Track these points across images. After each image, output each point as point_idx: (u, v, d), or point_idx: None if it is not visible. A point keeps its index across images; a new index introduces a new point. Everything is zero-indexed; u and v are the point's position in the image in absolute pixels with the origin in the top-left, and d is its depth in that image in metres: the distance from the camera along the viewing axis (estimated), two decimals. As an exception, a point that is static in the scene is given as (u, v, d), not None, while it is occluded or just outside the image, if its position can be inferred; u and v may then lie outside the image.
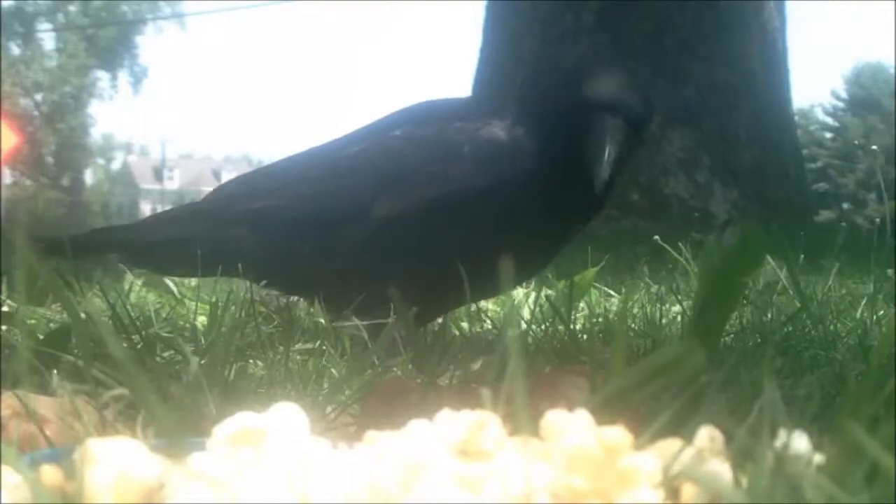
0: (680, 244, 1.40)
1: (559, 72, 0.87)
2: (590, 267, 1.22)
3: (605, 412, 0.37)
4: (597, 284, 1.26)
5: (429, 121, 0.92)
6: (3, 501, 0.34)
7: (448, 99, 0.97)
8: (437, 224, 0.87)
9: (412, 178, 0.88)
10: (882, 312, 1.06)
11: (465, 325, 1.03)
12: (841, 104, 23.81)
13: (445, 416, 0.36)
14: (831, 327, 0.96)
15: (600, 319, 1.06)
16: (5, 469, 0.35)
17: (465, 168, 0.87)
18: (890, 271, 1.28)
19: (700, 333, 0.40)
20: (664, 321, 1.05)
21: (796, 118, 5.26)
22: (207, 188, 1.55)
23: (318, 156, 0.99)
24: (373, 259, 0.88)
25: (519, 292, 1.16)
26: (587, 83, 0.82)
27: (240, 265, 0.94)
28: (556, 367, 0.81)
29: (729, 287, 0.43)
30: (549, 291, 1.19)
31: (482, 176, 0.86)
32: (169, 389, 0.60)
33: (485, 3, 4.23)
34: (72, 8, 24.55)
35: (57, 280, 0.84)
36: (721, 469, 0.36)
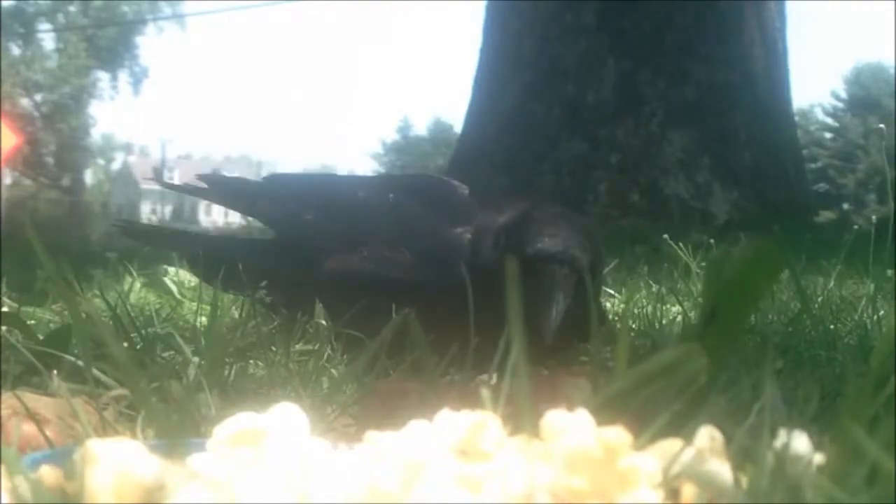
0: (681, 244, 1.40)
1: (509, 222, 0.88)
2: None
3: (606, 413, 0.37)
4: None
5: (419, 200, 0.96)
6: (3, 502, 0.34)
7: (453, 188, 0.98)
8: (368, 295, 0.90)
9: (364, 245, 0.93)
10: (882, 313, 1.06)
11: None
12: (841, 104, 23.82)
13: (445, 416, 0.36)
14: (831, 328, 0.96)
15: (600, 320, 1.06)
16: (5, 470, 0.35)
17: (410, 264, 0.91)
18: (890, 271, 1.28)
19: (709, 346, 0.40)
20: (664, 321, 1.06)
21: (796, 118, 5.26)
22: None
23: (324, 187, 1.07)
24: (324, 298, 0.92)
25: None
26: (536, 233, 0.82)
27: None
28: (556, 368, 0.81)
29: (742, 303, 0.43)
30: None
31: (419, 277, 0.90)
32: (169, 390, 0.60)
33: (485, 3, 4.23)
34: (72, 8, 24.53)
35: (58, 280, 0.84)
36: (721, 469, 0.36)
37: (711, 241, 1.44)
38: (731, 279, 0.42)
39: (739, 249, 0.43)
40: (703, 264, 1.38)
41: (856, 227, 1.53)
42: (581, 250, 0.82)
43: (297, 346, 0.85)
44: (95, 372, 0.60)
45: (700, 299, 1.06)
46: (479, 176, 3.62)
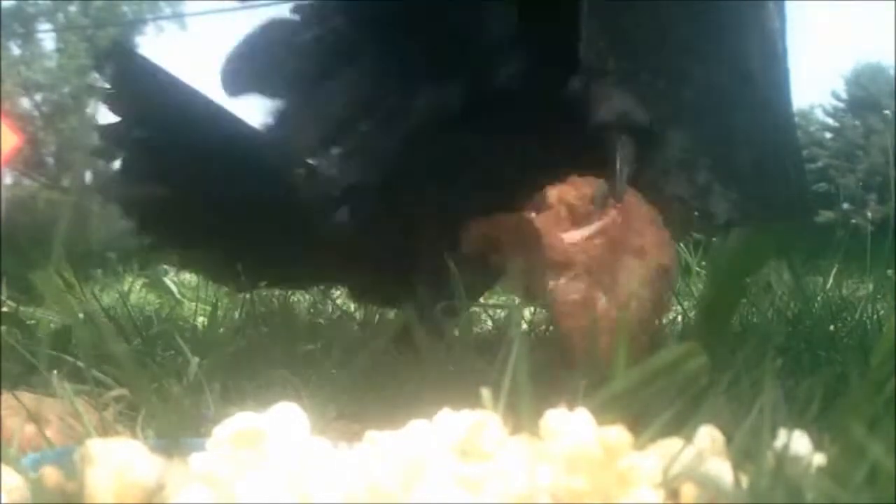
0: (681, 244, 1.40)
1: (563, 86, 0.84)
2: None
3: (606, 412, 0.37)
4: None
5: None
6: (3, 502, 0.34)
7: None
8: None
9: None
10: (882, 313, 1.06)
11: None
12: (841, 104, 23.83)
13: (445, 416, 0.36)
14: (831, 328, 0.96)
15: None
16: (5, 469, 0.35)
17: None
18: (890, 271, 1.28)
19: (704, 334, 0.40)
20: (664, 321, 1.05)
21: (796, 118, 5.26)
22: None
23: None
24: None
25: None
26: (592, 99, 0.82)
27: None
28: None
29: (732, 288, 0.43)
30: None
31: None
32: (169, 390, 0.60)
33: (485, 3, 4.23)
34: (72, 8, 24.51)
35: (54, 281, 0.84)
36: (721, 469, 0.36)
37: (713, 239, 1.44)
38: (720, 266, 0.43)
39: (731, 239, 0.43)
40: (703, 264, 1.38)
41: (853, 221, 1.53)
42: (638, 113, 0.84)
43: (298, 347, 0.85)
44: (96, 372, 0.60)
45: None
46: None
